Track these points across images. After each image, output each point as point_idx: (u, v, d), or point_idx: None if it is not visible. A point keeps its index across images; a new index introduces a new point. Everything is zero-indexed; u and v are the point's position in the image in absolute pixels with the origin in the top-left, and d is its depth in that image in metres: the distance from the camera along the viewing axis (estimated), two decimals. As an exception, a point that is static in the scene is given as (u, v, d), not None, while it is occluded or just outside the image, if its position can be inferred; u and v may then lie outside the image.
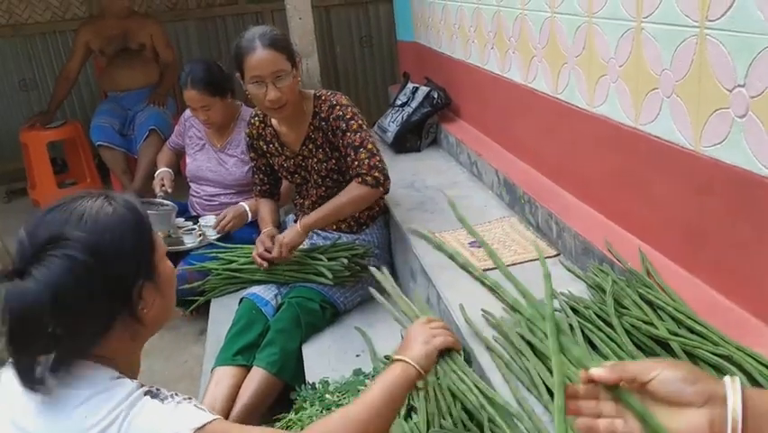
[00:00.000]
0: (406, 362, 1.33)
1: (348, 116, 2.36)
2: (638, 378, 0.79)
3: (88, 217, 1.08)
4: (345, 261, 2.44)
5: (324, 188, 2.52)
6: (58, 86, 4.81)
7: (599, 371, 0.81)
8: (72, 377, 1.06)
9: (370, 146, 2.33)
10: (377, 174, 2.30)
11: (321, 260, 2.43)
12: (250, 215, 3.05)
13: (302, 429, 1.72)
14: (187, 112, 3.27)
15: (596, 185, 2.11)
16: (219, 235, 3.06)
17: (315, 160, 2.46)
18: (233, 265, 2.68)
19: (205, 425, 1.06)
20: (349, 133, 2.34)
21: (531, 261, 2.13)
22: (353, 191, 2.33)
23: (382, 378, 1.30)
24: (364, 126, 2.37)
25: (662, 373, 0.78)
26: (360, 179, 2.31)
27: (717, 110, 1.51)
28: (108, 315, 1.09)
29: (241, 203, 3.09)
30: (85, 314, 1.05)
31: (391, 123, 3.49)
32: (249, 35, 2.26)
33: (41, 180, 4.87)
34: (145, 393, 1.07)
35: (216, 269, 2.71)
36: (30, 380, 1.04)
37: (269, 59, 2.22)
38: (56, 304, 1.01)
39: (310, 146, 2.45)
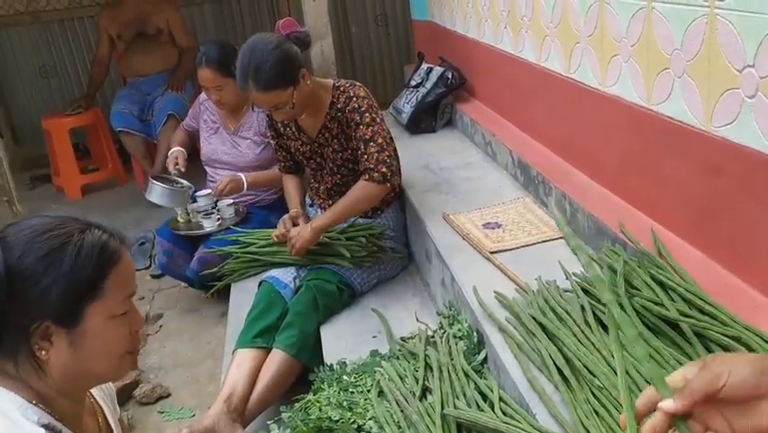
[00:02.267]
0: None
1: (363, 109, 2.36)
2: (709, 393, 0.71)
3: (33, 235, 1.01)
4: (363, 240, 2.48)
5: (339, 176, 2.55)
6: (92, 71, 4.93)
7: (671, 404, 0.72)
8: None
9: (380, 140, 2.34)
10: (384, 169, 2.31)
11: (339, 240, 2.47)
12: (246, 185, 3.08)
13: (320, 411, 1.77)
14: (203, 95, 3.30)
15: (608, 165, 2.11)
16: (238, 219, 3.11)
17: (331, 149, 2.49)
18: (253, 248, 2.72)
19: None
20: (362, 127, 2.35)
21: (546, 241, 2.14)
22: (361, 190, 2.35)
23: None
24: (378, 120, 2.37)
25: (731, 376, 0.71)
26: (367, 176, 2.33)
27: (727, 90, 1.50)
28: None
29: (239, 173, 3.13)
30: None
31: (406, 104, 3.49)
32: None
33: (65, 167, 4.95)
34: None
35: (236, 252, 2.76)
36: None
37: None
38: None
39: (326, 135, 2.47)
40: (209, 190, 3.20)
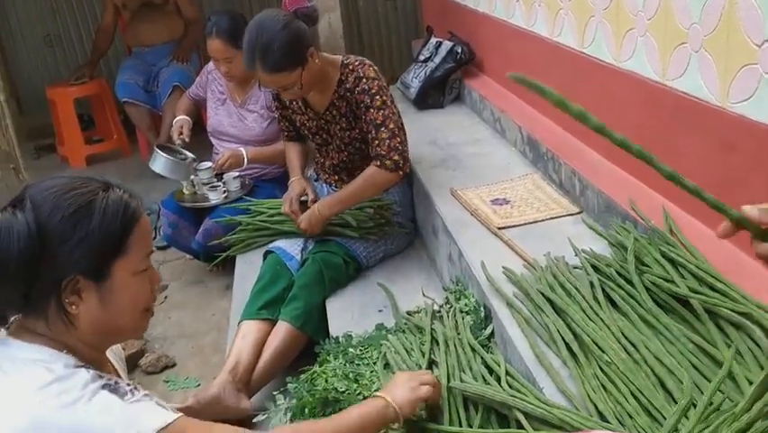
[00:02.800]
0: (388, 402, 1.37)
1: (373, 91, 2.31)
2: None
3: (59, 193, 1.05)
4: (371, 210, 2.47)
5: (346, 153, 2.52)
6: (97, 39, 4.90)
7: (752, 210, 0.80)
8: (23, 361, 1.04)
9: (392, 125, 2.30)
10: (396, 157, 2.28)
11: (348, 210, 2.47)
12: (246, 160, 3.08)
13: (326, 382, 1.78)
14: (210, 65, 3.27)
15: (620, 142, 2.08)
16: (244, 192, 3.10)
17: (338, 127, 2.46)
18: (262, 217, 2.73)
19: (168, 425, 1.02)
20: (372, 110, 2.31)
21: (554, 218, 2.13)
22: (371, 177, 2.32)
23: (361, 408, 1.34)
24: (388, 102, 2.33)
25: None
26: (378, 162, 2.30)
27: (745, 66, 1.48)
28: (28, 288, 1.04)
29: (239, 147, 3.12)
30: (7, 273, 1.02)
31: (414, 78, 3.46)
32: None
33: (69, 137, 4.94)
34: (103, 387, 1.03)
35: (245, 220, 2.76)
36: None
37: None
38: None
39: (334, 112, 2.44)
40: (210, 163, 3.18)
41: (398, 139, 2.31)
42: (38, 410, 0.98)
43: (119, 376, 1.24)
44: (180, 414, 1.06)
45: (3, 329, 1.10)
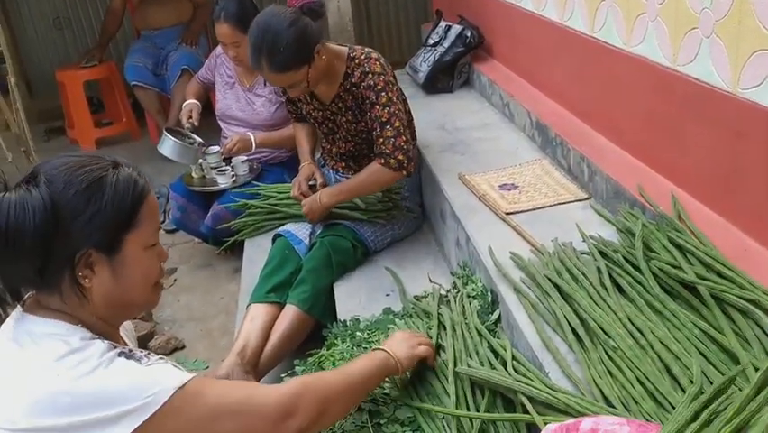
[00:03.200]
0: (390, 354, 1.45)
1: (379, 87, 2.28)
2: None
3: (71, 170, 1.08)
4: (379, 194, 2.47)
5: (353, 144, 2.51)
6: (105, 21, 4.90)
7: None
8: (40, 335, 1.06)
9: (397, 123, 2.27)
10: (400, 157, 2.26)
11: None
12: (254, 145, 3.08)
13: (334, 365, 1.79)
14: (219, 48, 3.27)
15: (630, 127, 2.08)
16: (252, 177, 3.11)
17: (345, 119, 2.45)
18: (272, 200, 2.74)
19: (185, 384, 1.05)
20: (377, 107, 2.28)
21: (561, 204, 2.13)
22: (374, 174, 2.32)
23: (365, 360, 1.41)
24: (394, 99, 2.30)
25: None
26: (383, 161, 2.28)
27: (756, 51, 1.46)
28: (43, 263, 1.06)
29: (247, 132, 3.13)
30: (23, 248, 1.04)
31: (423, 63, 3.44)
32: None
33: (79, 120, 4.95)
34: (119, 354, 1.06)
35: (255, 204, 2.78)
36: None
37: None
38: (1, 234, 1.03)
39: (339, 104, 2.42)
40: (218, 148, 3.19)
41: (403, 138, 2.28)
42: (56, 382, 1.00)
43: None
44: (195, 374, 1.09)
45: (18, 306, 1.12)
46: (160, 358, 1.11)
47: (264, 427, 1.10)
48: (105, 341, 1.08)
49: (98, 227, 1.07)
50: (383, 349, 1.49)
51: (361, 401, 1.53)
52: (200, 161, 3.19)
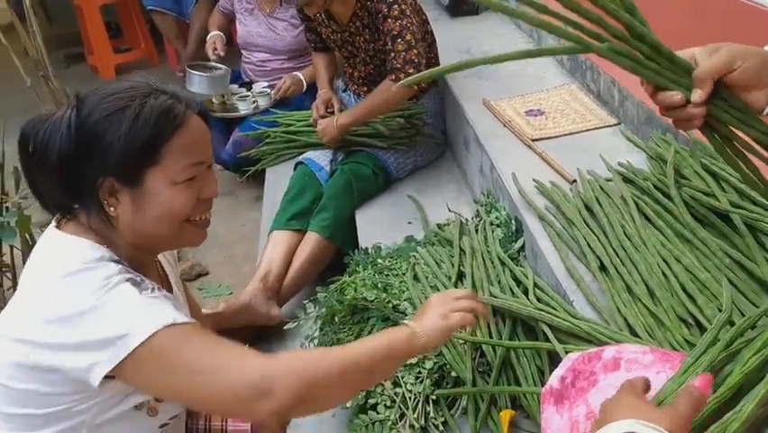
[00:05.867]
0: (416, 332, 1.21)
1: (390, 0, 2.21)
2: (723, 74, 0.85)
3: (101, 96, 1.08)
4: (401, 120, 2.43)
5: (372, 66, 2.46)
6: None
7: (697, 95, 0.88)
8: (61, 249, 1.08)
9: (408, 36, 2.20)
10: (411, 71, 2.19)
11: (376, 120, 2.43)
12: (305, 84, 3.04)
13: (356, 291, 1.79)
14: (236, -25, 3.17)
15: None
16: (272, 102, 3.07)
17: (363, 39, 2.38)
18: (291, 129, 2.71)
19: (177, 323, 1.01)
20: (389, 20, 2.21)
21: (590, 130, 2.06)
22: (385, 92, 2.27)
23: (387, 336, 1.20)
24: (407, 12, 2.22)
25: (745, 62, 0.84)
26: (393, 76, 2.22)
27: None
28: (71, 185, 1.08)
29: (296, 72, 3.09)
30: (51, 168, 1.07)
31: (448, -17, 3.31)
32: None
33: (98, 46, 4.89)
34: (127, 279, 1.04)
35: (276, 132, 2.75)
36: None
37: None
38: (34, 150, 1.07)
39: (357, 24, 2.35)
40: (267, 88, 3.13)
41: (415, 51, 2.21)
42: (60, 295, 1.01)
43: (163, 281, 1.26)
44: (192, 320, 1.06)
45: (53, 221, 1.14)
46: (166, 297, 1.07)
47: (233, 400, 1.00)
48: (120, 265, 1.06)
49: (115, 157, 1.06)
50: (408, 324, 1.24)
51: (375, 384, 1.42)
52: (227, 89, 3.15)
